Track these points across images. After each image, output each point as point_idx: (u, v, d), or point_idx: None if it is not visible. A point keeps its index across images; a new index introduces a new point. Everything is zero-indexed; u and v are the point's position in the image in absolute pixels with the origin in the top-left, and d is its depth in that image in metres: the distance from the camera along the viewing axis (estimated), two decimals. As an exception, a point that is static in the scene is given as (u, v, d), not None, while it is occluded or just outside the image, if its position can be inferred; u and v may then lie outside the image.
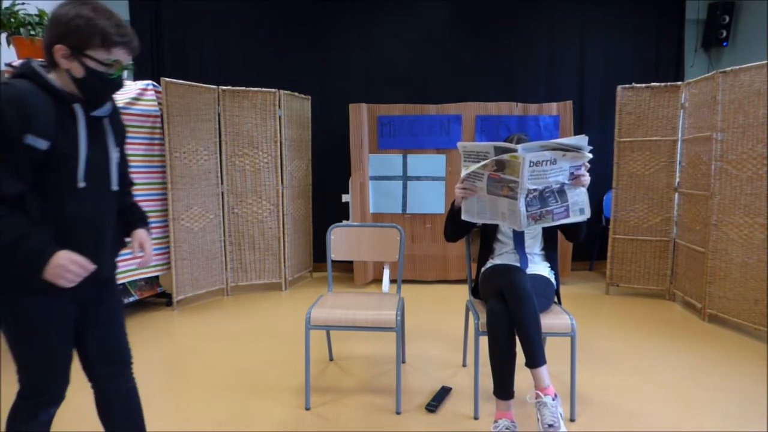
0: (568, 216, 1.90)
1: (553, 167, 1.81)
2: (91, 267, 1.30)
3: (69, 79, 1.30)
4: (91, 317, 1.46)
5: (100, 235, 1.42)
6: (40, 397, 1.39)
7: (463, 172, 1.95)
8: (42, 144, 1.24)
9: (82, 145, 1.33)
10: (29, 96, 1.23)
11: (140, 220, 1.60)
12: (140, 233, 1.56)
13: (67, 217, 1.33)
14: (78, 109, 1.33)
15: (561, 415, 1.82)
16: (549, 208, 1.88)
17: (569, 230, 2.12)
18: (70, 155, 1.31)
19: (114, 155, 1.45)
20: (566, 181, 1.86)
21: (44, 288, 1.28)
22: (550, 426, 1.76)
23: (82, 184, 1.34)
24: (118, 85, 1.37)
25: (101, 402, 1.52)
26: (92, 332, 1.46)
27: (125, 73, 1.39)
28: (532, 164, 1.78)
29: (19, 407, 1.41)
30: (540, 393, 1.83)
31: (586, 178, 1.87)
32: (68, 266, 1.25)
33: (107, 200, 1.44)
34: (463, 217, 2.05)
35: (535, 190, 1.84)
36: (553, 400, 1.81)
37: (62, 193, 1.31)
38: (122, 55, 1.32)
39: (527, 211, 1.86)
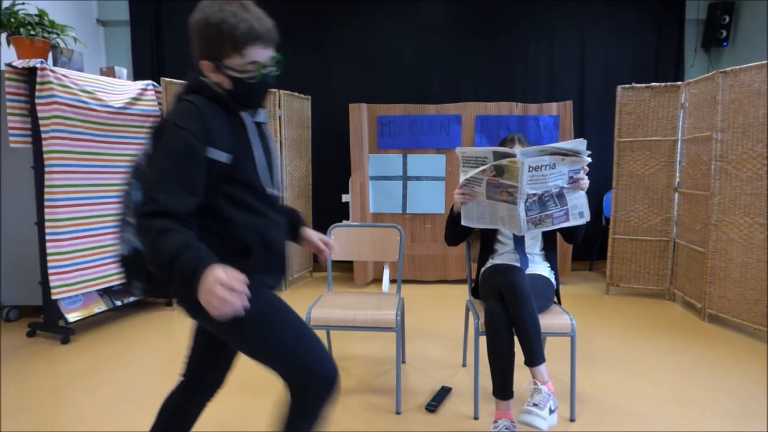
0: (567, 219, 1.91)
1: (552, 171, 1.81)
2: (242, 290, 1.05)
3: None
4: None
5: (285, 238, 1.40)
6: (328, 382, 1.24)
7: (462, 177, 1.95)
8: (223, 157, 1.21)
9: (258, 152, 1.29)
10: (206, 110, 1.20)
11: (301, 219, 1.57)
12: (311, 231, 1.56)
13: (268, 225, 1.30)
14: (246, 117, 1.29)
15: (552, 408, 1.80)
16: (548, 212, 1.88)
17: (568, 232, 2.13)
18: (250, 163, 1.27)
19: (277, 159, 1.41)
20: (565, 185, 1.86)
21: (261, 281, 1.26)
22: (535, 405, 1.76)
23: (270, 190, 1.32)
24: (267, 85, 1.28)
25: (188, 406, 1.44)
26: None
27: (271, 69, 1.27)
28: (531, 169, 1.78)
29: (300, 406, 1.25)
30: (538, 382, 1.85)
31: (585, 182, 1.87)
32: (216, 291, 1.01)
33: (279, 203, 1.42)
34: (463, 222, 2.06)
35: (534, 194, 1.84)
36: (549, 393, 1.81)
37: (256, 202, 1.28)
38: (257, 54, 1.20)
39: (527, 215, 1.86)
